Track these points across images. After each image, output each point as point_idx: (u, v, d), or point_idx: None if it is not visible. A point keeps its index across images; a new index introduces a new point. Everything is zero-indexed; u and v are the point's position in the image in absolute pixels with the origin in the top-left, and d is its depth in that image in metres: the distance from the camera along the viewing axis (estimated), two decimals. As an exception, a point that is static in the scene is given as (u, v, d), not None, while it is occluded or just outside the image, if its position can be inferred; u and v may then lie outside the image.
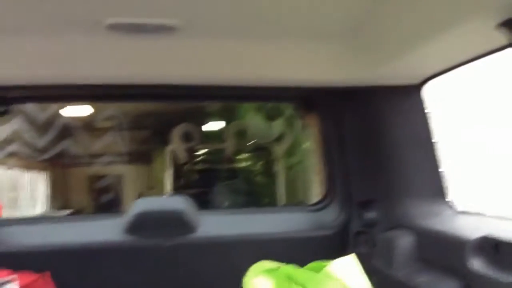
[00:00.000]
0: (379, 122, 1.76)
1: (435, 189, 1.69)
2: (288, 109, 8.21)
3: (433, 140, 1.71)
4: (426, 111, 1.71)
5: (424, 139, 1.71)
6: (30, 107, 8.27)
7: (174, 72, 1.61)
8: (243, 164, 11.12)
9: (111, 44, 1.36)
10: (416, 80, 1.68)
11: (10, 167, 9.54)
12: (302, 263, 1.23)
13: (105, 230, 1.82)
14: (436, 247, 1.47)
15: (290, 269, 1.18)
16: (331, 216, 1.94)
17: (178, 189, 10.66)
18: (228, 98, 2.53)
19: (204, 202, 9.24)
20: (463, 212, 1.66)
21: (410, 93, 1.71)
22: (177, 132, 10.02)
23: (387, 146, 1.74)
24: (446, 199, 1.69)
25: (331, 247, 1.85)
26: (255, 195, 10.12)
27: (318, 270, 1.15)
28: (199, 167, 11.46)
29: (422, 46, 1.34)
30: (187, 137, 10.05)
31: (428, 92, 1.71)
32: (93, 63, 1.51)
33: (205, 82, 1.71)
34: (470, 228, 1.45)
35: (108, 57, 1.47)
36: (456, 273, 1.32)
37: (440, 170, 1.70)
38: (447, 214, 1.64)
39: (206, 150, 11.28)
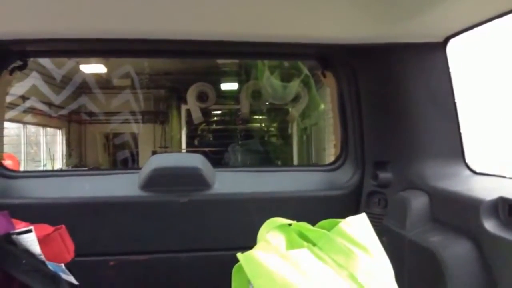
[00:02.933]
0: (398, 82, 1.72)
1: (453, 150, 1.66)
2: (304, 69, 8.12)
3: (454, 101, 1.66)
4: (449, 70, 1.66)
5: (444, 100, 1.67)
6: (48, 64, 8.30)
7: (189, 28, 1.58)
8: (258, 125, 11.12)
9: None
10: (439, 38, 1.62)
11: (27, 123, 9.68)
12: (315, 221, 1.23)
13: (121, 185, 1.84)
14: (450, 208, 1.46)
15: (302, 226, 1.18)
16: (345, 176, 1.94)
17: (193, 148, 10.76)
18: (245, 54, 2.48)
19: (218, 162, 9.32)
20: (480, 174, 1.63)
21: (433, 51, 1.65)
22: (192, 92, 10.00)
23: (404, 106, 1.70)
24: (463, 161, 1.66)
25: (344, 206, 1.85)
26: (270, 156, 10.16)
27: (329, 228, 1.15)
28: (214, 127, 11.51)
29: (446, 0, 1.28)
30: (202, 97, 10.03)
31: (452, 50, 1.65)
32: (110, 17, 1.49)
33: (222, 38, 1.69)
34: (486, 189, 1.43)
35: (124, 11, 1.44)
36: (469, 234, 1.31)
37: (459, 131, 1.66)
38: (463, 175, 1.62)
39: (221, 110, 11.28)
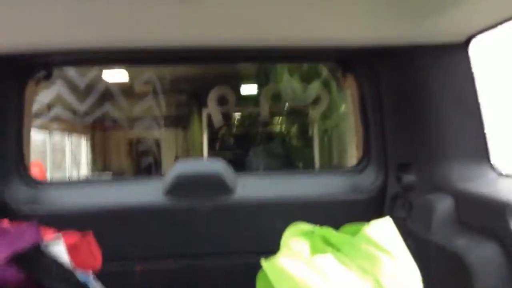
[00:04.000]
0: (420, 83, 1.70)
1: (478, 151, 1.63)
2: (324, 71, 8.08)
3: (478, 101, 1.64)
4: (471, 70, 1.63)
5: (468, 100, 1.64)
6: (72, 72, 8.47)
7: (210, 34, 1.60)
8: (279, 128, 11.11)
9: (147, 7, 1.35)
10: (461, 38, 1.60)
11: (53, 131, 9.88)
12: (338, 226, 1.23)
13: (145, 192, 1.87)
14: (476, 211, 1.43)
15: (325, 231, 1.18)
16: (368, 179, 1.92)
17: (214, 152, 10.82)
18: (265, 59, 2.50)
19: (239, 165, 9.34)
20: (506, 175, 1.60)
21: (455, 51, 1.63)
22: (213, 96, 10.06)
23: (427, 108, 1.68)
24: (489, 162, 1.63)
25: (368, 210, 1.84)
26: (291, 158, 10.14)
27: (353, 233, 1.15)
28: (234, 130, 11.55)
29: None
30: (222, 101, 10.08)
31: (474, 50, 1.62)
32: (132, 26, 1.51)
33: (241, 43, 1.69)
34: None
35: (146, 20, 1.47)
36: (496, 237, 1.29)
37: (484, 132, 1.63)
38: (489, 177, 1.59)
39: (241, 113, 11.31)
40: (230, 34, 1.61)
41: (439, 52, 1.64)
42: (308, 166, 9.80)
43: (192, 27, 1.54)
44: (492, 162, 1.63)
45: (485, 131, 1.63)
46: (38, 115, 8.26)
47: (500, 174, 1.61)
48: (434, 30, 1.55)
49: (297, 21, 1.52)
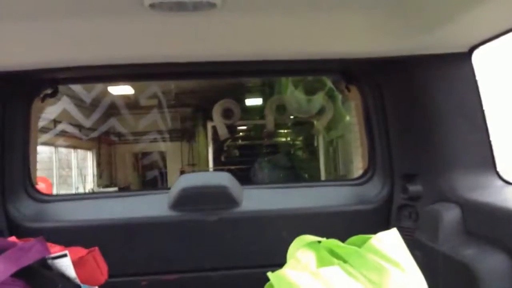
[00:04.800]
0: (424, 93, 1.70)
1: (483, 161, 1.62)
2: (328, 82, 8.10)
3: (482, 111, 1.63)
4: (475, 80, 1.63)
5: (472, 110, 1.64)
6: (77, 88, 8.55)
7: (214, 49, 1.61)
8: (284, 139, 11.12)
9: (152, 23, 1.37)
10: (464, 48, 1.60)
11: (59, 146, 9.94)
12: (345, 237, 1.22)
13: (151, 205, 1.87)
14: (483, 220, 1.42)
15: (332, 243, 1.17)
16: (373, 190, 1.91)
17: (219, 165, 10.83)
18: (269, 73, 2.50)
19: (245, 178, 9.34)
20: None
21: (458, 61, 1.63)
22: (217, 109, 10.10)
23: (432, 118, 1.68)
24: (495, 171, 1.62)
25: (374, 221, 1.83)
26: (296, 170, 10.12)
27: (360, 244, 1.14)
28: (240, 143, 11.56)
29: (471, 9, 1.27)
30: (227, 114, 10.12)
31: (478, 60, 1.63)
32: (135, 43, 1.53)
33: (246, 57, 1.71)
34: None
35: (150, 36, 1.48)
36: (504, 246, 1.28)
37: (489, 141, 1.63)
38: (496, 186, 1.58)
39: (246, 125, 11.34)
40: (233, 48, 1.62)
41: (443, 62, 1.64)
42: (313, 177, 9.78)
43: (195, 43, 1.56)
44: (498, 170, 1.62)
45: (490, 139, 1.63)
46: (44, 130, 8.32)
47: (507, 183, 1.60)
48: (438, 41, 1.55)
49: (301, 34, 1.54)
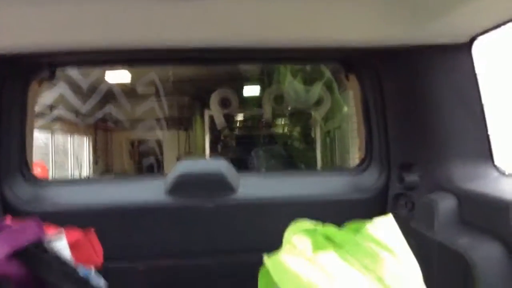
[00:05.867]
0: (422, 83, 1.69)
1: (481, 152, 1.63)
2: (327, 73, 8.09)
3: (480, 101, 1.63)
4: (474, 70, 1.63)
5: (471, 100, 1.64)
6: (75, 74, 8.50)
7: (212, 34, 1.60)
8: (281, 129, 11.12)
9: (152, 8, 1.36)
10: (464, 38, 1.60)
11: (55, 132, 9.91)
12: (340, 225, 1.22)
13: (148, 191, 1.87)
14: (479, 210, 1.43)
15: (328, 229, 1.18)
16: (370, 179, 1.92)
17: (216, 154, 10.83)
18: (268, 60, 2.49)
19: (241, 167, 9.34)
20: (509, 175, 1.60)
21: (458, 51, 1.63)
22: (215, 98, 10.08)
23: (430, 108, 1.68)
24: (492, 162, 1.63)
25: (370, 210, 1.83)
26: (293, 160, 10.14)
27: (356, 230, 1.15)
28: (237, 132, 11.56)
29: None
30: (225, 103, 10.10)
31: (477, 50, 1.62)
32: (135, 27, 1.52)
33: (244, 44, 1.70)
34: None
35: (149, 21, 1.47)
36: (499, 236, 1.29)
37: (487, 132, 1.63)
38: (492, 177, 1.58)
39: (244, 115, 11.33)
40: (232, 34, 1.61)
41: (442, 52, 1.64)
42: (310, 167, 9.80)
43: (194, 28, 1.55)
44: (495, 161, 1.63)
45: (488, 130, 1.63)
46: (41, 115, 8.29)
47: (503, 174, 1.61)
48: (437, 31, 1.55)
49: (301, 21, 1.53)
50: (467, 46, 1.62)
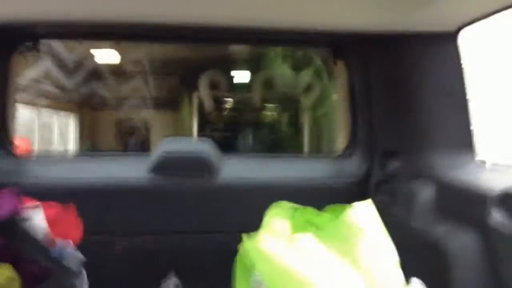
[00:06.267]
0: (409, 71, 1.70)
1: (463, 142, 1.64)
2: (316, 59, 8.07)
3: (465, 92, 1.64)
4: (460, 60, 1.64)
5: (456, 90, 1.65)
6: (60, 48, 8.36)
7: (201, 12, 1.58)
8: (270, 114, 11.12)
9: None
10: (451, 27, 1.60)
11: (40, 108, 9.78)
12: (322, 209, 1.23)
13: (131, 168, 1.86)
14: (458, 199, 1.45)
15: (307, 211, 1.19)
16: (353, 165, 1.93)
17: (204, 136, 10.81)
18: (256, 41, 2.47)
19: (228, 150, 9.35)
20: (491, 166, 1.62)
21: (445, 41, 1.63)
22: (204, 79, 10.02)
23: (414, 96, 1.69)
24: (474, 152, 1.64)
25: (352, 195, 1.84)
26: (280, 145, 10.16)
27: (335, 214, 1.16)
28: (225, 115, 11.53)
29: None
30: (214, 85, 10.05)
31: (463, 40, 1.63)
32: (121, 1, 1.49)
33: (233, 24, 1.68)
34: (494, 181, 1.42)
35: None
36: (475, 225, 1.31)
37: (469, 122, 1.65)
38: (473, 166, 1.60)
39: (233, 98, 11.29)
40: (222, 13, 1.59)
41: (429, 41, 1.64)
42: (299, 153, 9.84)
43: (184, 4, 1.52)
44: (476, 151, 1.64)
45: (471, 121, 1.64)
46: (26, 90, 8.17)
47: (484, 164, 1.62)
48: (425, 19, 1.55)
49: (290, 4, 1.52)
50: (454, 35, 1.62)
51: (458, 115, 1.65)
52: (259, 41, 2.44)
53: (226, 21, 1.67)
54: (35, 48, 1.88)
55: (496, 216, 1.25)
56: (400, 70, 1.73)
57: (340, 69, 2.01)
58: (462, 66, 1.65)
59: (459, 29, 1.60)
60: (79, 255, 1.30)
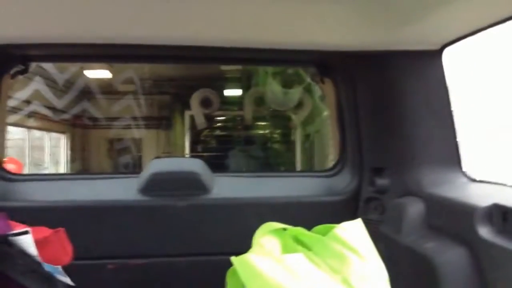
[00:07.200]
0: (395, 89, 1.73)
1: (450, 157, 1.67)
2: (307, 77, 8.13)
3: (450, 108, 1.67)
4: (444, 77, 1.67)
5: (441, 107, 1.68)
6: (51, 69, 8.36)
7: (192, 33, 1.60)
8: (262, 131, 11.14)
9: (130, 4, 1.35)
10: (435, 46, 1.64)
11: (32, 128, 9.73)
12: (312, 227, 1.24)
13: (121, 189, 1.85)
14: (445, 215, 1.46)
15: (297, 230, 1.19)
16: (342, 182, 1.94)
17: (195, 154, 10.78)
18: (245, 60, 2.50)
19: (220, 167, 9.32)
20: (476, 181, 1.64)
21: (429, 58, 1.66)
22: (196, 98, 10.04)
23: (401, 113, 1.71)
24: (460, 168, 1.66)
25: (341, 212, 1.85)
26: (272, 162, 10.16)
27: (325, 233, 1.16)
28: (217, 133, 11.53)
29: (443, 8, 1.30)
30: (206, 103, 10.06)
31: (447, 58, 1.66)
32: (112, 22, 1.51)
33: (222, 44, 1.70)
34: (481, 196, 1.44)
35: (128, 17, 1.46)
36: (463, 240, 1.32)
37: (455, 138, 1.67)
38: (460, 182, 1.62)
39: (224, 116, 11.31)
40: (211, 35, 1.62)
41: (414, 58, 1.67)
42: (289, 170, 9.83)
43: (174, 26, 1.55)
44: (463, 167, 1.66)
45: (457, 137, 1.67)
46: (16, 110, 8.13)
47: (471, 179, 1.64)
48: (410, 37, 1.58)
49: (277, 24, 1.54)
50: (438, 53, 1.66)
51: (443, 131, 1.68)
52: (248, 60, 2.47)
53: (216, 42, 1.69)
54: (25, 70, 1.88)
55: (483, 231, 1.26)
56: (386, 87, 1.76)
57: (328, 87, 2.04)
58: (446, 83, 1.68)
59: (444, 47, 1.64)
60: (67, 279, 1.28)
